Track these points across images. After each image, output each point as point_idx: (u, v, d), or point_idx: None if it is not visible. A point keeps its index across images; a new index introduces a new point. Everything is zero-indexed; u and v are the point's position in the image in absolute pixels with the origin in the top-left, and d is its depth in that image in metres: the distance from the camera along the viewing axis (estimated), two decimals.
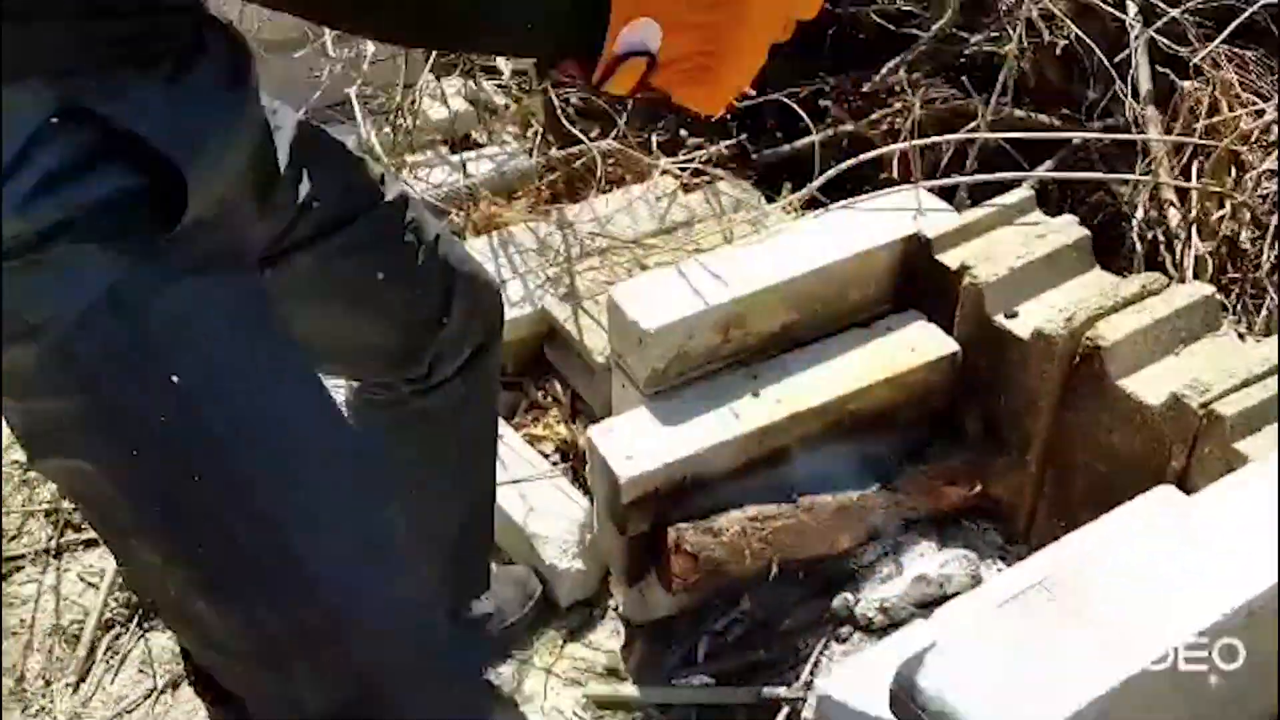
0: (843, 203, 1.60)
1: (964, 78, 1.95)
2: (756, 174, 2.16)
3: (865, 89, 2.07)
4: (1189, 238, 1.57)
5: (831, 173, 1.74)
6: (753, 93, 2.01)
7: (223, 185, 0.74)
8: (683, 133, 2.23)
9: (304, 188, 0.91)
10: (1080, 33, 1.75)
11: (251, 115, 0.80)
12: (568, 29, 0.67)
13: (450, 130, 2.29)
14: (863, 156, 1.71)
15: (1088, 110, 1.94)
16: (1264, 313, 1.58)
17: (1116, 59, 1.73)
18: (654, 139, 2.21)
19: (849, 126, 2.09)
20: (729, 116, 2.10)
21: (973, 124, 1.86)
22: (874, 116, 1.96)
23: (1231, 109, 1.60)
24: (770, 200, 2.03)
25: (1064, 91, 2.05)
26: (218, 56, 0.74)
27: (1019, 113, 2.03)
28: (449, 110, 2.29)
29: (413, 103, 2.18)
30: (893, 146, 1.70)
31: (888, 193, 1.59)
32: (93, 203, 0.66)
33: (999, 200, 1.56)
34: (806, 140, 2.07)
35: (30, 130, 0.64)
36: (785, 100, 2.01)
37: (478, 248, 1.89)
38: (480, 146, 2.31)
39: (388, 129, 2.18)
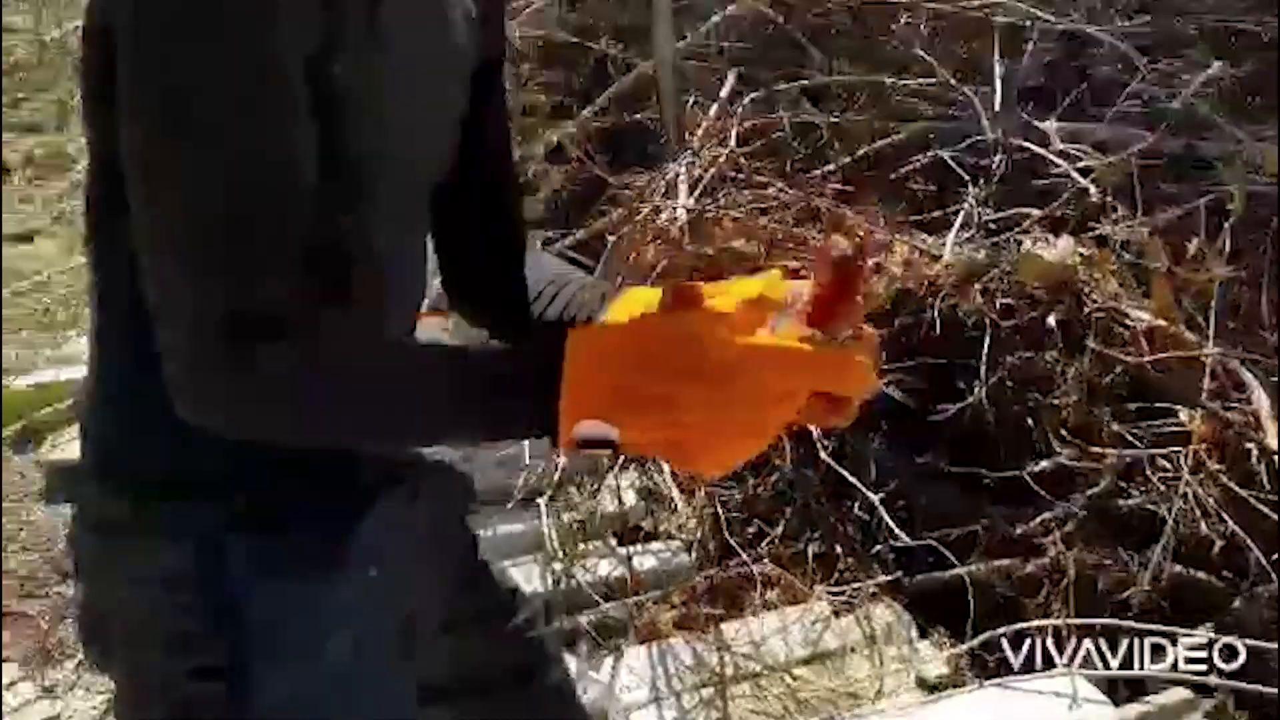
0: (996, 681, 1.65)
1: (1120, 544, 2.01)
2: (908, 599, 2.23)
3: (1019, 531, 2.16)
4: None
5: (984, 637, 1.80)
6: (905, 539, 2.13)
7: (327, 672, 0.76)
8: (838, 549, 2.35)
9: (469, 642, 0.94)
10: (1235, 526, 1.81)
11: (394, 589, 0.82)
12: (526, 429, 0.68)
13: (621, 522, 2.47)
14: (1014, 627, 1.77)
15: (1253, 581, 1.96)
16: None
17: (1275, 556, 1.78)
18: (809, 549, 2.33)
19: (1001, 563, 2.16)
20: (890, 553, 2.20)
21: (1129, 591, 1.90)
22: (1029, 569, 2.03)
23: None
24: (923, 633, 2.09)
25: (1224, 551, 2.08)
26: (369, 541, 0.78)
27: (1177, 567, 2.06)
28: (621, 504, 2.48)
29: (595, 492, 2.39)
30: (1045, 622, 1.76)
31: (1042, 676, 1.64)
32: (187, 673, 0.73)
33: (1157, 699, 1.58)
34: (957, 572, 2.14)
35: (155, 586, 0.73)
36: (936, 544, 2.11)
37: (637, 664, 2.00)
38: (648, 539, 2.47)
39: (565, 517, 2.37)
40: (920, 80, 2.66)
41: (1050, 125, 2.51)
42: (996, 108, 2.46)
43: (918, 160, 2.54)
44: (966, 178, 2.43)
